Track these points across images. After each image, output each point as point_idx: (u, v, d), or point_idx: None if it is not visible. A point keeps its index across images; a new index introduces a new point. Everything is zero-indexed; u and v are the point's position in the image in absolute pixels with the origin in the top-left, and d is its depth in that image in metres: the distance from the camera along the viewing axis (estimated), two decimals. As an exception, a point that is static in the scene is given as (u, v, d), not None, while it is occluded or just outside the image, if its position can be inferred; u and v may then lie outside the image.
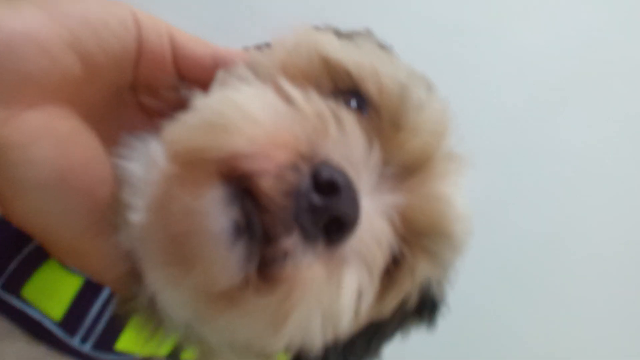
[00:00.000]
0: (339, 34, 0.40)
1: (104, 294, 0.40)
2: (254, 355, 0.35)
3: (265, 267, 0.27)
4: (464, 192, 0.35)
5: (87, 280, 0.39)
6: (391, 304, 0.37)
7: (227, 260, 0.27)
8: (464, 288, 0.82)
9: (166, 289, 0.31)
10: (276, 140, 0.28)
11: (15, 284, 0.38)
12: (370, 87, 0.35)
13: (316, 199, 0.27)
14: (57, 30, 0.31)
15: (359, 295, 0.31)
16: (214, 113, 0.29)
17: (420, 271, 0.35)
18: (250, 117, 0.28)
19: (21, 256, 0.38)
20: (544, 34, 0.81)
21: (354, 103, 0.35)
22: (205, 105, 0.30)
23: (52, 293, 0.38)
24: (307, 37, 0.37)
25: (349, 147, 0.30)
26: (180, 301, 0.31)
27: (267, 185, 0.27)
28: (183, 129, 0.30)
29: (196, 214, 0.27)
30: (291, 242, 0.27)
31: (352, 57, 0.36)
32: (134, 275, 0.33)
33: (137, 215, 0.31)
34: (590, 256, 0.89)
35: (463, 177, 0.36)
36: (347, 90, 0.35)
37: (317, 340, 0.30)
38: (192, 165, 0.29)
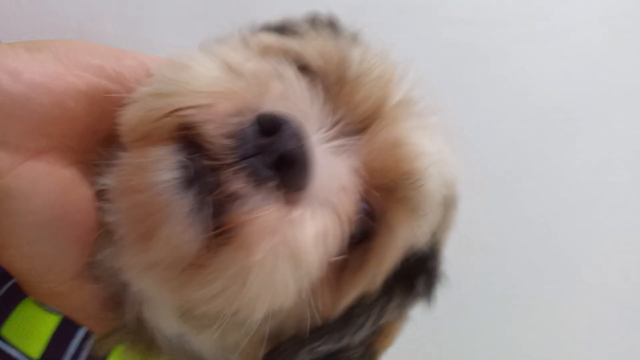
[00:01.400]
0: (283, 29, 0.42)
1: (81, 331, 0.40)
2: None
3: (219, 217, 0.28)
4: (426, 133, 0.35)
5: (64, 319, 0.40)
6: (378, 270, 0.35)
7: (180, 213, 0.27)
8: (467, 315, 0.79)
9: (140, 276, 0.31)
10: (219, 93, 0.29)
11: (-6, 325, 0.38)
12: (314, 57, 0.36)
13: (261, 138, 0.28)
14: (73, 81, 0.32)
15: (325, 237, 0.30)
16: (161, 80, 0.31)
17: (399, 225, 0.34)
18: (194, 75, 0.30)
19: (-1, 295, 0.39)
20: (549, 60, 0.82)
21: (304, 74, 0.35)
22: (155, 77, 0.32)
23: (30, 332, 0.39)
24: (251, 35, 0.40)
25: (293, 98, 0.31)
26: (155, 286, 0.31)
27: (212, 131, 0.28)
28: (136, 103, 0.31)
29: (146, 177, 0.28)
30: (241, 184, 0.27)
31: (292, 42, 0.38)
32: (116, 301, 0.35)
33: (113, 216, 0.32)
34: (594, 281, 0.86)
35: (424, 120, 0.36)
36: (296, 65, 0.36)
37: (288, 285, 0.29)
38: (144, 135, 0.30)
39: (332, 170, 0.31)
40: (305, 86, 0.32)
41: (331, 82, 0.35)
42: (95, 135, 0.34)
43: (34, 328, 0.39)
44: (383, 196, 0.34)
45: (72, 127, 0.33)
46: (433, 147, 0.35)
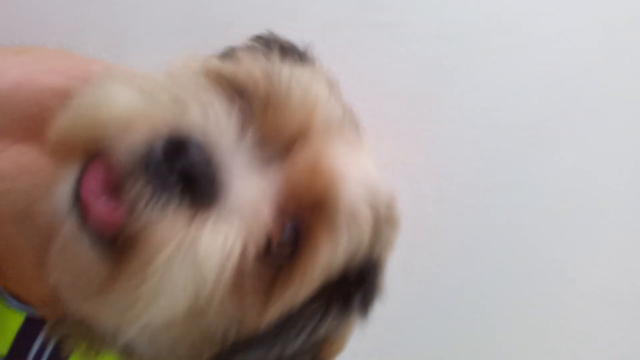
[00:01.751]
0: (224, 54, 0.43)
1: (44, 329, 0.42)
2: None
3: (122, 233, 0.29)
4: (352, 159, 0.36)
5: (28, 317, 0.42)
6: (303, 285, 0.35)
7: (76, 231, 0.29)
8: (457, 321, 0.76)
9: (58, 288, 0.33)
10: (133, 117, 0.30)
11: (-37, 324, 0.42)
12: (245, 80, 0.37)
13: (164, 158, 0.28)
14: (49, 81, 0.36)
15: (228, 248, 0.31)
16: (82, 102, 0.32)
17: (320, 246, 0.35)
18: (112, 101, 0.31)
19: (-33, 295, 0.42)
20: (525, 68, 0.80)
21: (236, 99, 0.36)
22: (79, 100, 0.32)
23: (-3, 329, 0.42)
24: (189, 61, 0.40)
25: (210, 124, 0.32)
26: (73, 297, 0.32)
27: (118, 152, 0.29)
28: (60, 119, 0.32)
29: (51, 196, 0.30)
30: (142, 200, 0.28)
31: (227, 66, 0.39)
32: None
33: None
34: (586, 285, 0.83)
35: (348, 145, 0.36)
36: (226, 90, 0.37)
37: (184, 291, 0.30)
38: (60, 151, 0.32)
39: (246, 188, 0.32)
40: (226, 113, 0.33)
41: (259, 104, 0.35)
42: None
43: (1, 326, 0.42)
44: (307, 215, 0.35)
45: (48, 121, 0.35)
46: (356, 167, 0.35)
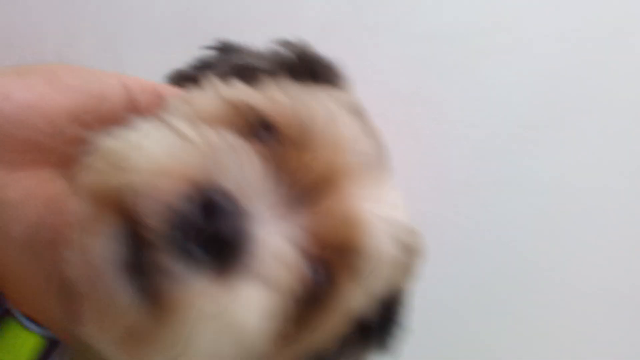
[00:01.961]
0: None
1: (59, 348, 0.43)
2: None
3: (157, 296, 0.29)
4: (380, 202, 0.36)
5: (43, 337, 0.43)
6: (328, 330, 0.36)
7: (119, 297, 0.29)
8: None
9: (92, 335, 0.33)
10: (165, 171, 0.30)
11: (-20, 344, 0.42)
12: (274, 117, 0.36)
13: (197, 220, 0.28)
14: (61, 101, 0.35)
15: (266, 313, 0.31)
16: (112, 152, 0.31)
17: (346, 291, 0.35)
18: (143, 151, 0.30)
19: (-17, 318, 0.43)
20: (515, 68, 0.81)
21: (263, 134, 0.37)
22: (105, 146, 0.32)
23: (13, 350, 0.43)
24: (215, 89, 0.40)
25: (242, 174, 0.31)
26: (101, 344, 0.33)
27: (151, 214, 0.29)
28: (87, 171, 0.32)
29: (88, 254, 0.30)
30: (176, 263, 0.28)
31: (254, 95, 0.38)
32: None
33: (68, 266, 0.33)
34: (574, 289, 0.84)
35: (375, 189, 0.36)
36: (256, 124, 0.37)
37: (224, 354, 0.30)
38: (94, 206, 0.31)
39: (273, 243, 0.32)
40: (256, 159, 0.33)
41: (289, 146, 0.35)
42: (80, 147, 0.36)
43: (16, 347, 0.43)
44: (332, 262, 0.35)
45: (61, 143, 0.35)
46: (381, 215, 0.35)
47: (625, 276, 0.80)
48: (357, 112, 0.40)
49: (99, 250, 0.29)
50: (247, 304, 0.30)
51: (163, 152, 0.31)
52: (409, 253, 0.39)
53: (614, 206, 0.80)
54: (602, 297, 0.81)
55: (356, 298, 0.36)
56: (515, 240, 0.82)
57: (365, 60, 0.81)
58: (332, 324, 0.36)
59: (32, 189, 0.34)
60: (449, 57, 0.81)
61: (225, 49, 0.47)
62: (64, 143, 0.35)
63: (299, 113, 0.36)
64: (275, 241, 0.32)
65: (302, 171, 0.35)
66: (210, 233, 0.28)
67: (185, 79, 0.45)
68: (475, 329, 0.85)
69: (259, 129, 0.37)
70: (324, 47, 0.46)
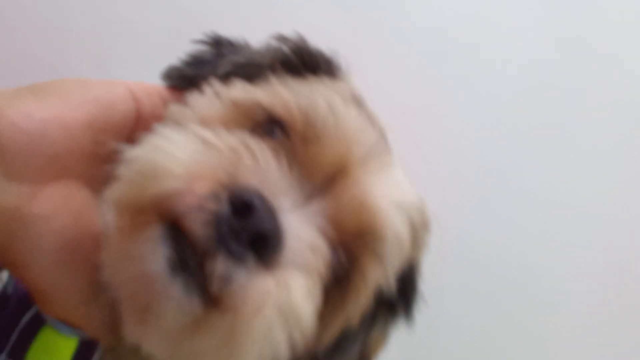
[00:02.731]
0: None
1: (99, 350, 0.43)
2: None
3: (209, 295, 0.31)
4: (389, 185, 0.38)
5: (81, 341, 0.43)
6: (356, 307, 0.39)
7: (171, 297, 0.30)
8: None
9: (139, 339, 0.34)
10: (197, 175, 0.32)
11: (19, 353, 0.42)
12: (280, 112, 0.39)
13: (234, 221, 0.30)
14: (76, 114, 0.36)
15: (307, 293, 0.34)
16: (142, 162, 0.33)
17: (369, 270, 0.38)
18: (172, 158, 0.32)
19: (20, 326, 0.42)
20: (503, 70, 0.83)
21: (271, 130, 0.39)
22: (135, 156, 0.34)
23: (51, 357, 0.42)
24: (218, 91, 0.42)
25: (262, 171, 0.34)
26: (153, 348, 0.34)
27: (191, 220, 0.30)
28: (120, 183, 0.34)
29: (137, 261, 0.31)
30: (221, 266, 0.30)
31: (259, 93, 0.40)
32: (117, 326, 0.37)
33: (106, 272, 0.35)
34: (564, 287, 0.87)
35: (384, 173, 0.39)
36: (264, 121, 0.39)
37: (284, 346, 0.32)
38: (131, 215, 0.33)
39: (301, 234, 0.34)
40: (271, 156, 0.35)
41: (297, 140, 0.38)
42: (99, 157, 0.38)
43: (55, 353, 0.42)
44: (353, 246, 0.37)
45: (81, 155, 0.36)
46: (392, 197, 0.37)
47: (619, 275, 0.83)
48: (358, 101, 0.42)
49: (146, 254, 0.31)
50: (295, 291, 0.32)
51: (190, 157, 0.33)
52: (421, 229, 0.41)
53: (616, 206, 0.83)
54: (602, 295, 0.84)
55: (377, 276, 0.38)
56: (516, 240, 0.84)
57: (351, 59, 0.83)
58: (357, 302, 0.38)
59: (59, 202, 0.35)
60: (436, 54, 0.83)
61: (217, 44, 0.48)
62: (84, 155, 0.36)
63: (304, 108, 0.38)
64: (304, 231, 0.34)
65: (313, 163, 0.37)
66: (250, 232, 0.30)
67: (181, 77, 0.46)
68: (473, 327, 0.87)
69: (267, 126, 0.39)
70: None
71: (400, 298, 0.42)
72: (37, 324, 0.43)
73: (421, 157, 0.83)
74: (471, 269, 0.83)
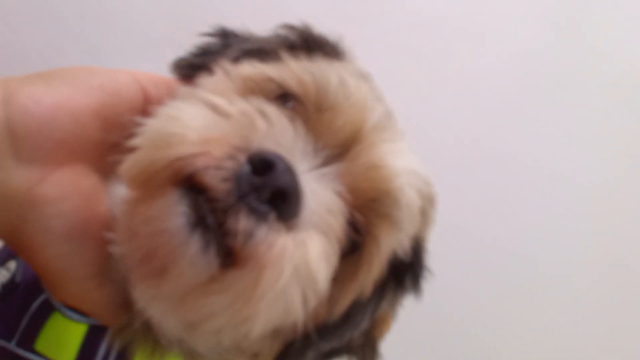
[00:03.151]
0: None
1: (108, 335, 0.43)
2: (242, 356, 0.39)
3: (228, 251, 0.31)
4: (399, 153, 0.39)
5: (91, 326, 0.43)
6: (369, 276, 0.39)
7: (189, 254, 0.30)
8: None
9: (151, 302, 0.34)
10: (211, 140, 0.32)
11: (29, 340, 0.42)
12: (293, 85, 0.39)
13: (254, 177, 0.30)
14: (84, 101, 0.37)
15: (324, 255, 0.34)
16: (156, 131, 0.33)
17: (383, 237, 0.38)
18: (186, 126, 0.32)
19: (30, 312, 0.43)
20: (492, 55, 0.84)
21: (284, 102, 0.39)
22: (149, 127, 0.34)
23: (61, 343, 0.43)
24: (230, 70, 0.42)
25: (278, 135, 0.34)
26: (166, 310, 0.34)
27: (209, 177, 0.31)
28: (134, 154, 0.33)
29: (155, 222, 0.31)
30: (242, 221, 0.30)
31: (270, 69, 0.41)
32: (127, 305, 0.37)
33: (118, 247, 0.35)
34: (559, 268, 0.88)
35: (396, 143, 0.39)
36: (277, 95, 0.39)
37: (299, 307, 0.33)
38: (147, 183, 0.33)
39: (319, 196, 0.34)
40: (287, 121, 0.35)
41: (311, 109, 0.38)
42: (107, 144, 0.38)
43: (64, 339, 0.43)
44: (366, 213, 0.37)
45: (89, 140, 0.37)
46: (405, 165, 0.38)
47: (626, 275, 0.82)
48: (366, 78, 0.43)
49: (164, 213, 0.31)
50: (312, 252, 0.32)
51: (204, 124, 0.33)
52: (428, 201, 0.42)
53: (615, 206, 0.83)
54: (602, 294, 0.84)
55: (391, 242, 0.38)
56: (515, 239, 0.84)
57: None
58: (370, 270, 0.38)
59: (68, 185, 0.35)
60: (432, 44, 0.84)
61: (225, 35, 0.49)
62: (91, 141, 0.37)
63: (316, 79, 0.38)
64: (322, 192, 0.35)
65: (328, 130, 0.37)
66: (271, 188, 0.30)
67: (190, 67, 0.47)
68: (471, 326, 0.87)
69: (280, 97, 0.39)
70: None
71: (408, 272, 0.42)
72: (46, 310, 0.43)
73: (417, 146, 0.84)
74: (469, 259, 0.83)
